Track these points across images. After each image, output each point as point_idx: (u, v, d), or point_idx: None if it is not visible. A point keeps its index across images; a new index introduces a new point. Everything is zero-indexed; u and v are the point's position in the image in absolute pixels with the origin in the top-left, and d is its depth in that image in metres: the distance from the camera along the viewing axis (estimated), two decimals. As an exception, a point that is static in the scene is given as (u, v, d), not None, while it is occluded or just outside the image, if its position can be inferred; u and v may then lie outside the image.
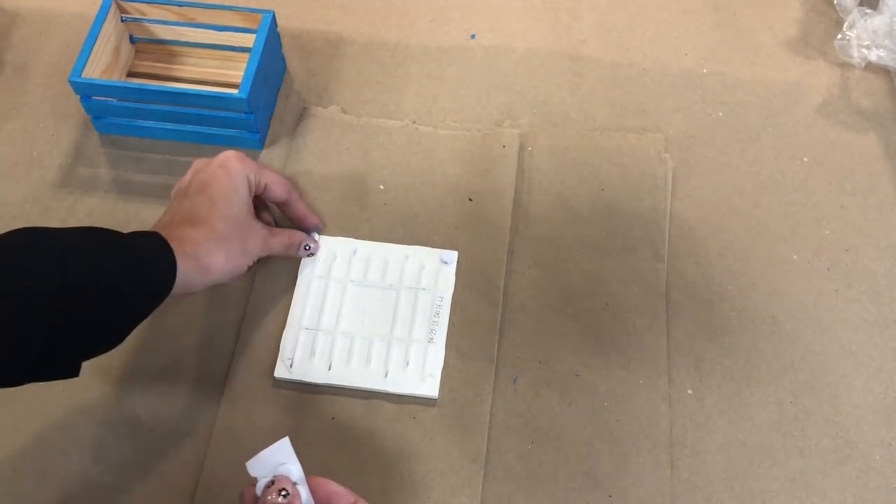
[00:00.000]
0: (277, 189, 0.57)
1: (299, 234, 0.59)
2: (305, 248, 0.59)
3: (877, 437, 0.55)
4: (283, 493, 0.38)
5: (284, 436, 0.40)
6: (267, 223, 0.60)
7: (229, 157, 0.54)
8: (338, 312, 0.58)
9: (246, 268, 0.55)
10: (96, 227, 0.47)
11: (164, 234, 0.49)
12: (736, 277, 0.61)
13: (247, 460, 0.40)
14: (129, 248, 0.47)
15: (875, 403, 0.56)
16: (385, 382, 0.56)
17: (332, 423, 0.55)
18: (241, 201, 0.54)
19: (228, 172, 0.53)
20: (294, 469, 0.40)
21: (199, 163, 0.55)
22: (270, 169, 0.57)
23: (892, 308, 0.60)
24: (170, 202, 0.55)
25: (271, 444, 0.40)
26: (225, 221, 0.52)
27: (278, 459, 0.40)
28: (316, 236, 0.61)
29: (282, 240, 0.58)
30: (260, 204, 0.60)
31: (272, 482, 0.39)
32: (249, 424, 0.55)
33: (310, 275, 0.60)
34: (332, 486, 0.41)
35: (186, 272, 0.49)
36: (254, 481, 0.40)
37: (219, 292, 0.60)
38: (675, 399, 0.56)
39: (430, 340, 0.57)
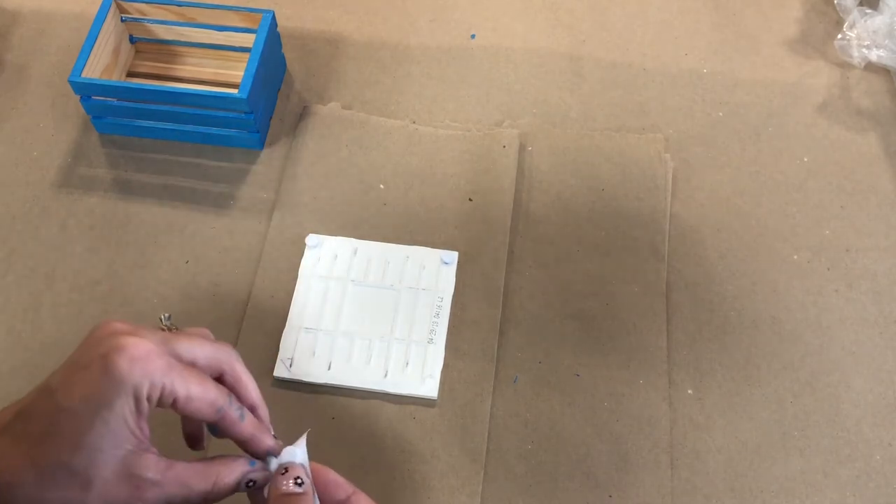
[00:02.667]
0: (199, 406, 0.37)
1: (232, 467, 0.38)
2: (248, 485, 0.38)
3: (877, 437, 0.55)
4: (298, 481, 0.38)
5: (283, 435, 0.40)
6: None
7: (126, 347, 0.35)
8: (338, 312, 0.58)
9: None
10: None
11: None
12: (736, 277, 0.61)
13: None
14: None
15: (875, 403, 0.56)
16: (385, 383, 0.55)
17: (332, 423, 0.55)
18: (104, 425, 0.34)
19: (107, 374, 0.34)
20: (299, 452, 0.39)
21: (96, 331, 0.37)
22: (201, 376, 0.37)
23: (892, 308, 0.59)
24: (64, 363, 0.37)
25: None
26: (64, 449, 0.34)
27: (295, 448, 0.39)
28: (275, 460, 0.39)
29: (188, 480, 0.37)
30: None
31: (286, 469, 0.38)
32: (249, 424, 0.55)
33: (310, 275, 0.60)
34: (331, 475, 0.40)
35: None
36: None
37: (219, 292, 0.60)
38: (675, 399, 0.56)
39: (430, 341, 0.57)
